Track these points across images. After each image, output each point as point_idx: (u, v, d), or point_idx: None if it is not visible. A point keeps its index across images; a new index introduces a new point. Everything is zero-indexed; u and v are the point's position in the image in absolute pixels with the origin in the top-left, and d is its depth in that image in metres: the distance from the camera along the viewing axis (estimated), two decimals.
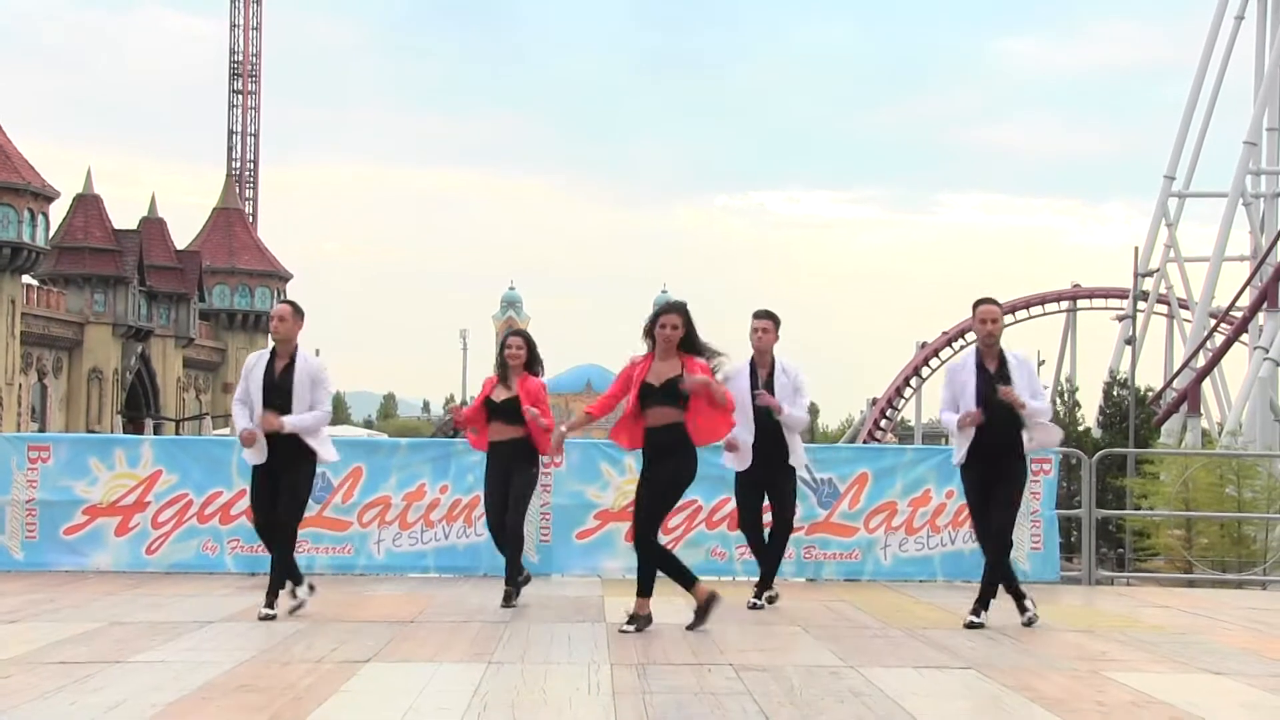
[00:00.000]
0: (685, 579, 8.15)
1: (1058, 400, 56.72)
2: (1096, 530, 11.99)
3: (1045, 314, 78.83)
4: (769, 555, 9.40)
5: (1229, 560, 34.37)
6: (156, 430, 63.26)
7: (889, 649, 7.60)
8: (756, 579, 9.51)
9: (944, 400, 8.72)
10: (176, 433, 64.33)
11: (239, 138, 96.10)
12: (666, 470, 8.05)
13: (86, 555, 11.04)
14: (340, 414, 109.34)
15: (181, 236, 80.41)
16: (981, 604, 8.53)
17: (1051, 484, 11.45)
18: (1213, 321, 61.94)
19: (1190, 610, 9.89)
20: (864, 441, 70.96)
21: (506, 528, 9.27)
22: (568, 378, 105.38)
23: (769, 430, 9.16)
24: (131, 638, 7.56)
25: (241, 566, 10.88)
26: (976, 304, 8.61)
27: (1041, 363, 75.15)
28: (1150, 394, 57.94)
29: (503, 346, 9.42)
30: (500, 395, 9.26)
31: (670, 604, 8.50)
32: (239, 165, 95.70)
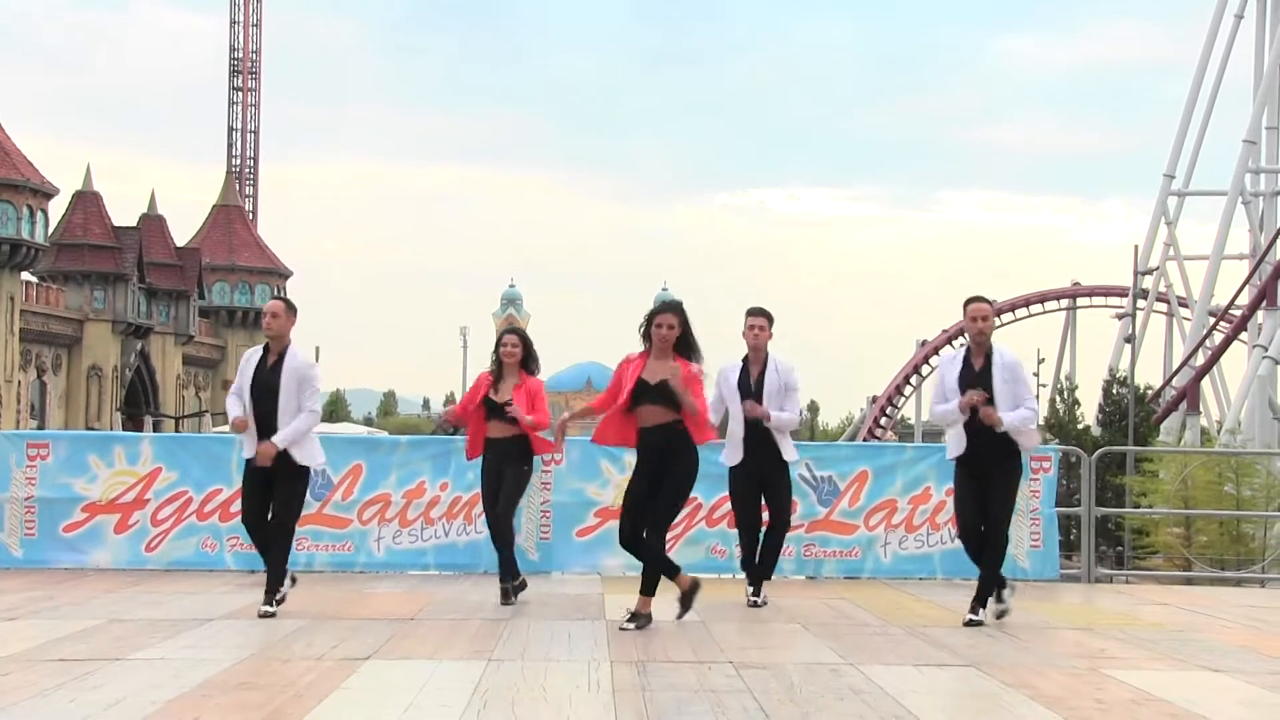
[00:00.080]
0: (670, 570, 8.22)
1: (1057, 398, 56.76)
2: (1096, 528, 11.99)
3: (1045, 312, 78.90)
4: (766, 552, 9.41)
5: (1228, 558, 34.41)
6: (156, 427, 63.26)
7: (889, 647, 7.60)
8: (760, 578, 9.49)
9: (935, 394, 8.79)
10: (176, 430, 64.38)
11: (239, 135, 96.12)
12: (673, 479, 8.08)
13: (86, 552, 11.03)
14: (340, 411, 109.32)
15: (181, 234, 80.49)
16: (980, 602, 8.54)
17: (1051, 482, 11.45)
18: (1212, 320, 61.98)
19: (1189, 608, 9.90)
20: (864, 439, 70.97)
21: (494, 524, 9.31)
22: (567, 375, 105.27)
23: (760, 428, 9.18)
24: (131, 635, 7.56)
25: (241, 564, 10.88)
26: (967, 302, 8.64)
27: (1041, 361, 75.30)
28: (1149, 392, 57.92)
29: (498, 345, 9.42)
30: (499, 394, 9.26)
31: (671, 603, 8.50)
32: (239, 162, 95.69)
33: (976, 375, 8.45)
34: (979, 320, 8.55)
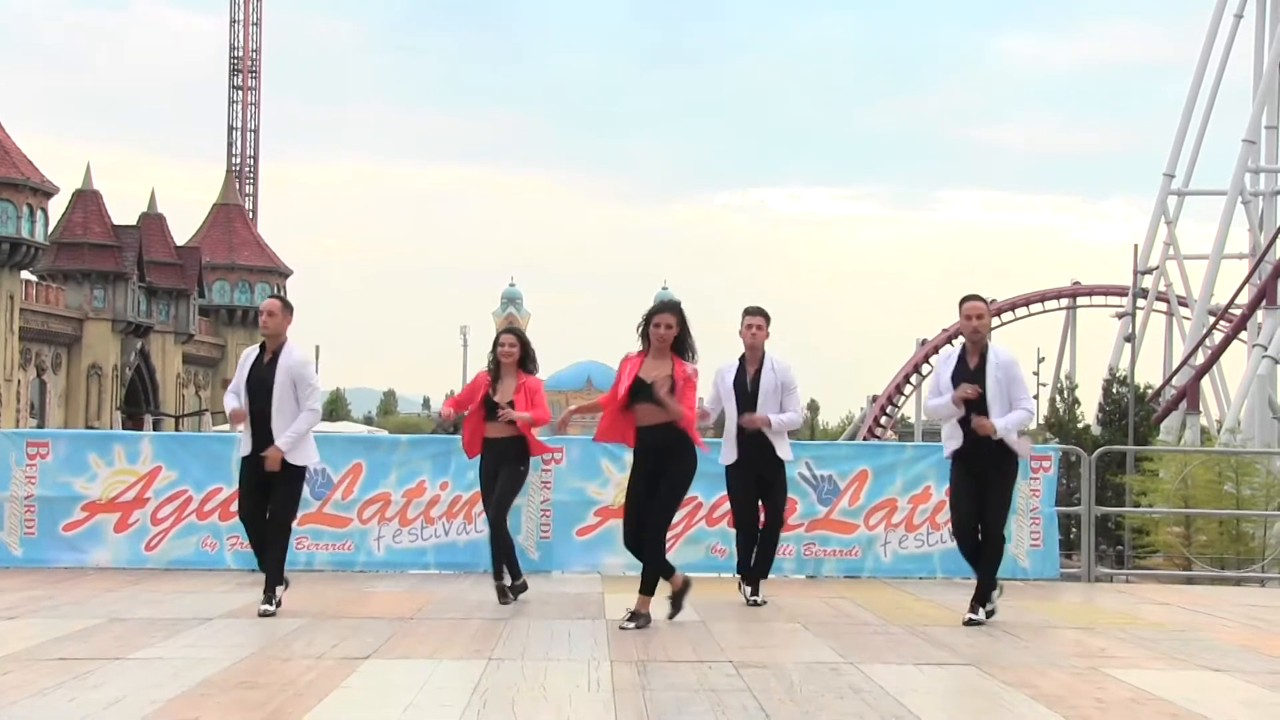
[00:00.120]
0: (667, 571, 8.26)
1: (1057, 398, 56.75)
2: (1096, 527, 11.99)
3: (1045, 311, 78.95)
4: (762, 552, 9.42)
5: (1228, 557, 34.40)
6: (156, 426, 63.27)
7: (889, 646, 7.60)
8: (755, 577, 9.50)
9: (929, 390, 8.81)
10: (176, 429, 64.34)
11: (239, 133, 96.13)
12: (670, 479, 8.10)
13: (86, 551, 11.03)
14: (340, 410, 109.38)
15: (181, 232, 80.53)
16: (979, 601, 8.54)
17: (1051, 481, 11.45)
18: (1212, 319, 61.99)
19: (1189, 607, 9.89)
20: (864, 438, 70.97)
21: (489, 524, 9.35)
22: (568, 374, 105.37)
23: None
24: (131, 634, 7.56)
25: (241, 563, 10.86)
26: (962, 301, 8.64)
27: (1041, 360, 75.34)
28: (1149, 391, 57.91)
29: (496, 345, 9.43)
30: (499, 395, 9.28)
31: (663, 602, 8.50)
32: (239, 161, 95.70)
33: (972, 373, 8.48)
34: (973, 319, 8.56)
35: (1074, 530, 20.69)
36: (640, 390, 8.06)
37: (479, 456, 9.40)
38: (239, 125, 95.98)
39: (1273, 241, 59.19)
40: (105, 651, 6.94)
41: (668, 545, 8.53)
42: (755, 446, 9.20)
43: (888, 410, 79.78)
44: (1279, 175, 62.06)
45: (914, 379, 77.71)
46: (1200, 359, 59.73)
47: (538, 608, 8.97)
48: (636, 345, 8.21)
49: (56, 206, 65.50)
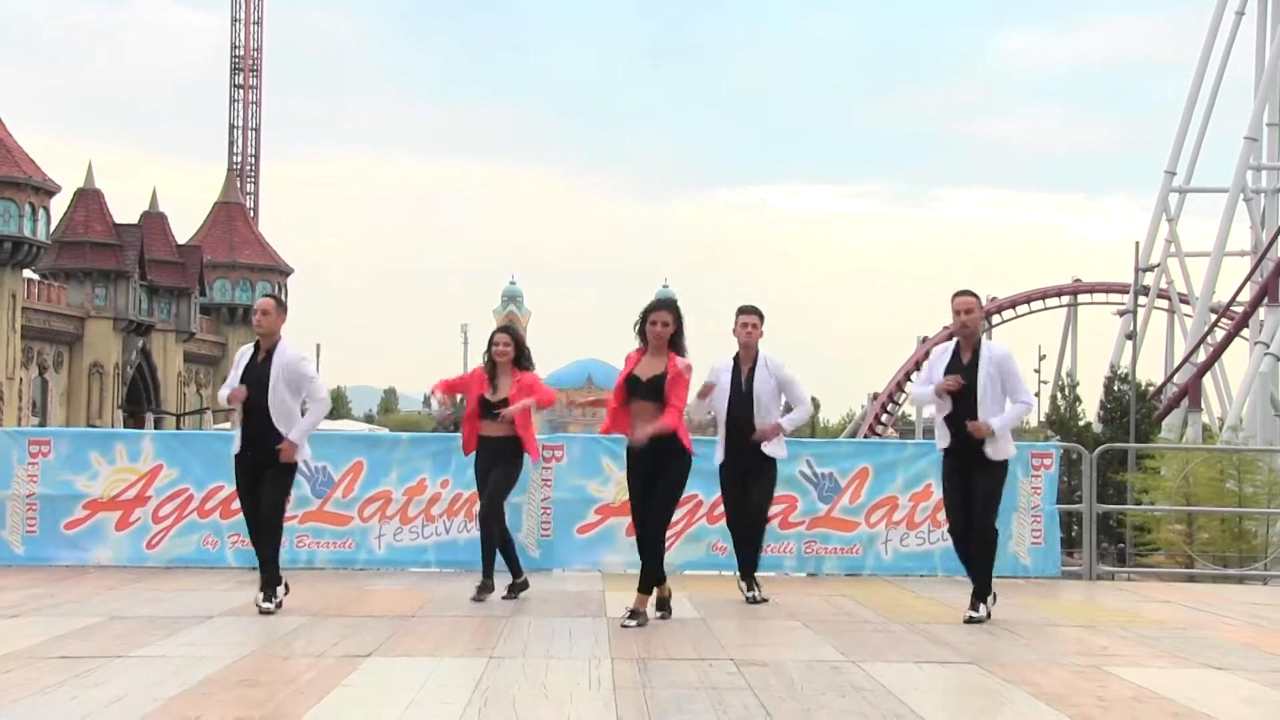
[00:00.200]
0: (660, 575, 8.29)
1: (1059, 395, 56.74)
2: (1097, 525, 11.99)
3: (1046, 309, 78.89)
4: (745, 550, 9.46)
5: (1230, 555, 34.35)
6: (157, 425, 63.24)
7: (890, 644, 7.59)
8: (747, 573, 9.51)
9: (920, 377, 8.83)
10: (177, 427, 64.33)
11: (240, 132, 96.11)
12: (667, 480, 8.14)
13: (87, 550, 11.03)
14: (341, 408, 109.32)
15: (182, 231, 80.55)
16: (979, 598, 8.54)
17: (1052, 479, 11.44)
18: (1213, 316, 61.88)
19: (1191, 605, 9.89)
20: (865, 436, 70.96)
21: (480, 521, 9.39)
22: (568, 372, 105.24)
23: (746, 428, 9.20)
24: (132, 632, 7.56)
25: (242, 561, 10.86)
26: (953, 296, 8.65)
27: (1043, 357, 75.32)
28: (1151, 389, 57.90)
29: (490, 344, 9.46)
30: (495, 394, 9.31)
31: (673, 600, 8.51)
32: (240, 160, 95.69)
33: (965, 369, 8.50)
34: (962, 314, 8.58)
35: (1075, 528, 20.67)
36: (636, 389, 8.11)
37: (474, 454, 9.44)
38: (240, 124, 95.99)
39: (1274, 239, 59.11)
40: (106, 649, 6.95)
41: (668, 544, 8.55)
42: (742, 444, 9.22)
43: (888, 408, 79.75)
44: None
45: (915, 376, 77.64)
46: (1202, 356, 59.65)
47: (538, 605, 8.97)
48: (636, 343, 8.25)
49: (58, 205, 65.58)
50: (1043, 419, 63.12)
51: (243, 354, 8.76)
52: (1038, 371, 73.03)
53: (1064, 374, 69.90)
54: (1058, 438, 46.43)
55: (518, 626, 8.00)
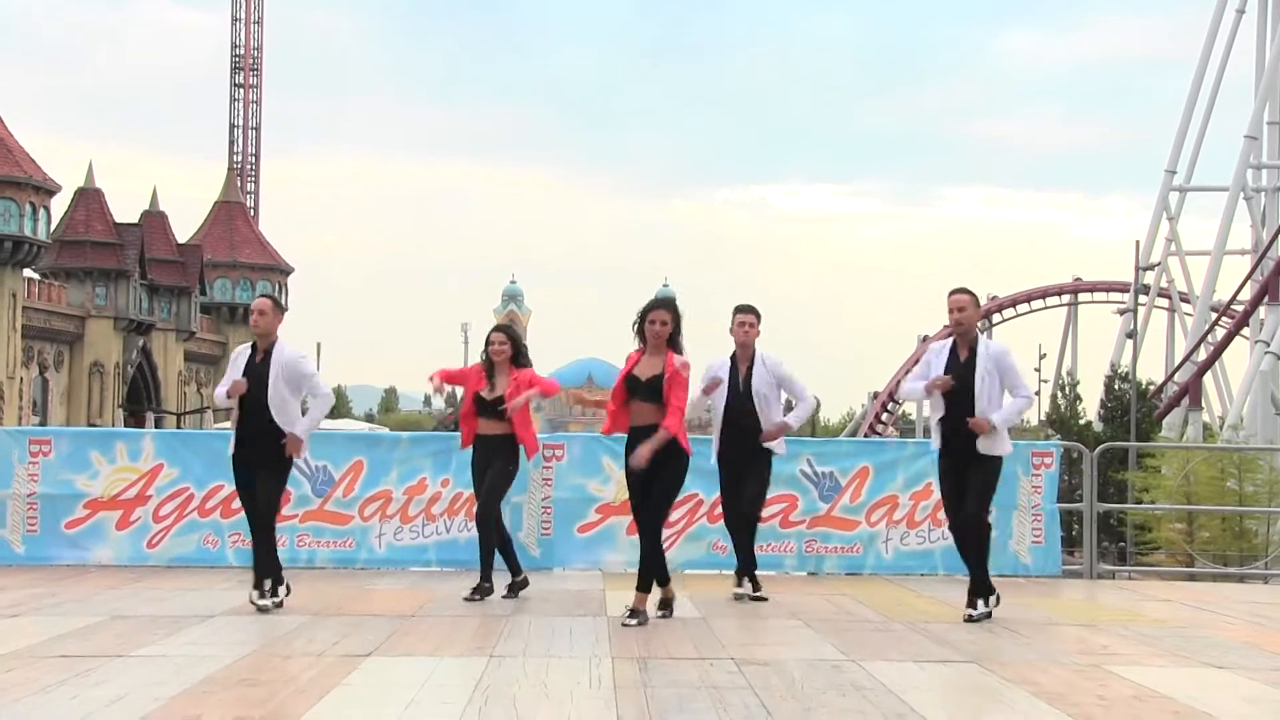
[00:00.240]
0: (663, 575, 8.32)
1: (1059, 394, 56.72)
2: (1098, 524, 11.98)
3: (1046, 308, 78.85)
4: (740, 549, 9.47)
5: (1231, 554, 34.32)
6: (158, 424, 63.24)
7: (890, 643, 7.59)
8: (746, 572, 9.51)
9: (915, 373, 8.84)
10: (177, 426, 64.29)
11: (240, 131, 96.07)
12: (662, 482, 8.17)
13: (88, 549, 11.04)
14: (342, 408, 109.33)
15: (183, 230, 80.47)
16: (978, 595, 8.54)
17: (1053, 478, 11.44)
18: (1214, 315, 61.88)
19: (1192, 604, 9.89)
20: (865, 435, 70.92)
21: (476, 521, 9.41)
22: (568, 371, 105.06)
23: (743, 427, 9.21)
24: (133, 631, 7.56)
25: (243, 560, 10.84)
26: (949, 294, 8.66)
27: (1043, 356, 75.31)
28: (1151, 388, 57.89)
29: (487, 344, 9.47)
30: (489, 394, 9.32)
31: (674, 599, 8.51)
32: (240, 159, 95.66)
33: (962, 366, 8.49)
34: (955, 311, 8.58)
35: (1076, 527, 20.69)
36: (634, 388, 8.14)
37: (470, 449, 9.46)
38: (240, 123, 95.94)
39: (1275, 237, 59.06)
40: (107, 649, 6.95)
41: (669, 543, 8.56)
42: (736, 441, 9.24)
43: (889, 407, 79.69)
44: None
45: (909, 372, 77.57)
46: (1202, 355, 59.61)
47: (539, 605, 8.97)
48: (636, 343, 8.27)
49: (59, 205, 65.52)
50: (1043, 418, 63.13)
51: (239, 354, 8.77)
52: (1038, 370, 73.06)
53: (1064, 373, 69.97)
54: (1058, 436, 46.48)
55: (518, 626, 8.00)
